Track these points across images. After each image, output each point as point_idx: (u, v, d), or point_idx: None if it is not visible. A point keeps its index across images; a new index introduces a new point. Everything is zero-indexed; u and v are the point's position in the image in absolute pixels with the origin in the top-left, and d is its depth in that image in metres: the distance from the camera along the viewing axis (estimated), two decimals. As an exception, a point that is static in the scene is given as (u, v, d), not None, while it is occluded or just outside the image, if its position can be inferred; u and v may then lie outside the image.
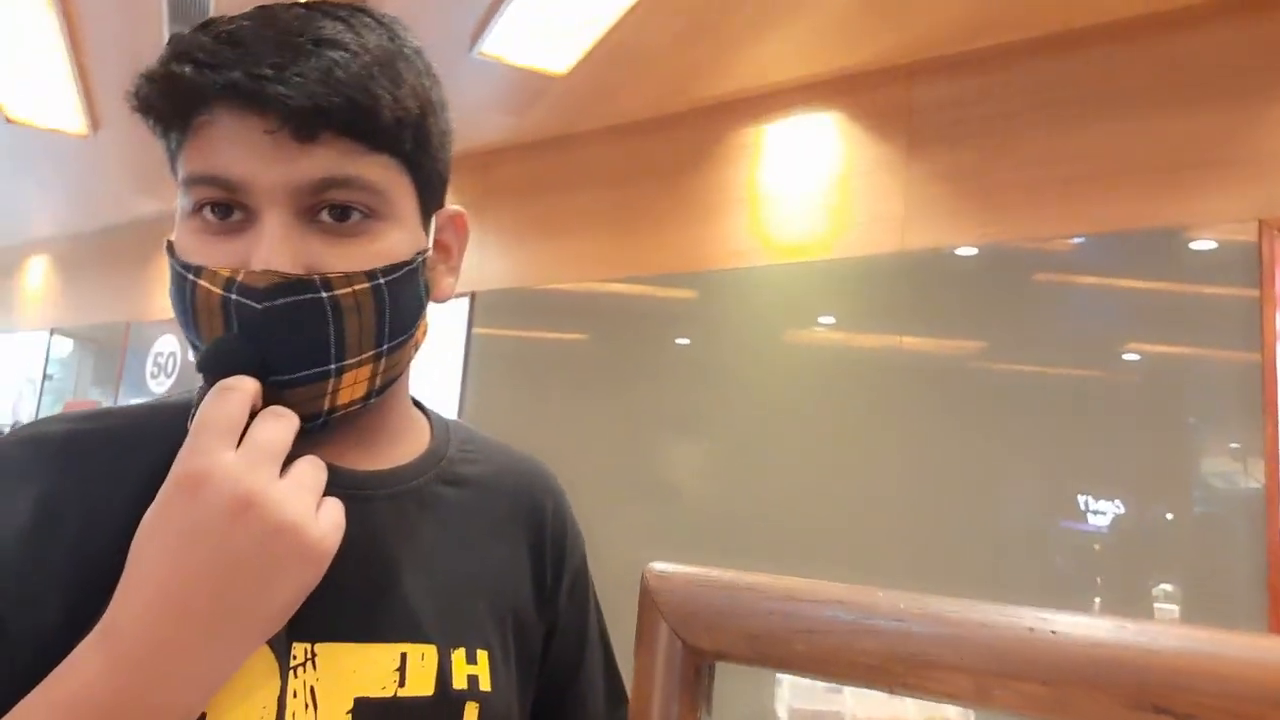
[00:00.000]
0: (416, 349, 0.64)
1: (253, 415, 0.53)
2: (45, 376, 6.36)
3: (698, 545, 2.96)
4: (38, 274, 6.82)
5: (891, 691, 0.30)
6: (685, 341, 3.27)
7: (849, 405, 2.80)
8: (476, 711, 0.61)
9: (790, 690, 2.31)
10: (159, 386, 5.47)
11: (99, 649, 0.49)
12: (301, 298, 0.54)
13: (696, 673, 0.36)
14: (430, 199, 0.63)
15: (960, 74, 2.77)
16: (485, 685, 0.62)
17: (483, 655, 0.63)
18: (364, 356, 0.58)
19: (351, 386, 0.58)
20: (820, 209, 3.00)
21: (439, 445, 0.70)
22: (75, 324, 6.37)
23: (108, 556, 0.52)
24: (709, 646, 0.35)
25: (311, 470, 0.54)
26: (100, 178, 5.10)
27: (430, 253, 0.63)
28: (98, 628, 0.50)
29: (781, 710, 2.32)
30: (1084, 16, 2.52)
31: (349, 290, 0.56)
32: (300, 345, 0.55)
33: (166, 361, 5.46)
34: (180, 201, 0.58)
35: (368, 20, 0.59)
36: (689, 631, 0.36)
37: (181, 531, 0.50)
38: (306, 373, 0.55)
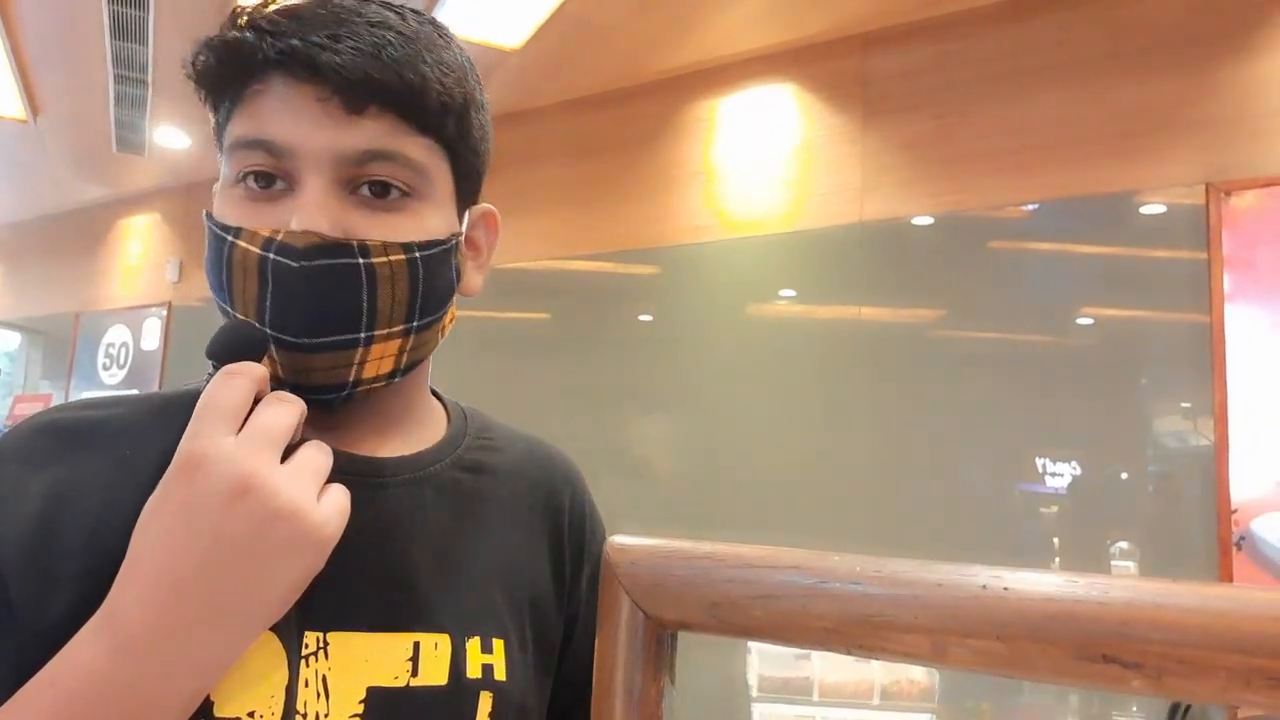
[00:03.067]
0: (443, 334, 0.65)
1: (259, 401, 0.53)
2: (-7, 370, 6.20)
3: (663, 519, 2.98)
4: (-19, 265, 6.64)
5: (849, 653, 0.31)
6: (648, 318, 3.27)
7: (810, 376, 2.82)
8: (491, 701, 0.60)
9: (759, 658, 2.34)
10: (111, 379, 5.36)
11: (100, 633, 0.49)
12: (338, 261, 0.55)
13: (658, 642, 0.36)
14: (467, 190, 0.64)
15: (915, 44, 2.78)
16: (500, 675, 0.61)
17: (498, 644, 0.62)
18: (394, 330, 0.58)
19: (379, 360, 0.58)
20: (778, 182, 3.00)
21: (456, 432, 0.70)
22: (22, 315, 6.21)
23: (120, 543, 0.52)
24: (670, 616, 0.35)
25: (316, 455, 0.54)
26: (42, 164, 4.95)
27: (463, 240, 0.64)
28: (99, 612, 0.50)
29: (752, 678, 2.35)
30: (1034, -16, 2.53)
31: (385, 260, 0.56)
32: (333, 309, 0.56)
33: (119, 352, 5.34)
34: (223, 171, 0.59)
35: (419, 16, 0.61)
36: (650, 602, 0.36)
37: (179, 515, 0.50)
38: (337, 338, 0.56)
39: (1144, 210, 2.38)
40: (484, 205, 0.69)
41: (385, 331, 0.58)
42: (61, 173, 5.09)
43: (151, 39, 3.25)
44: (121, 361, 5.31)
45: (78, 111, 4.04)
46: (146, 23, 3.14)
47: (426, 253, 0.58)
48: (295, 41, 0.54)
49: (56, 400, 5.49)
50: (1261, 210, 2.21)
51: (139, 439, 0.58)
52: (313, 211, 0.55)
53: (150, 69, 3.50)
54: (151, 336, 5.16)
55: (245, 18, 0.56)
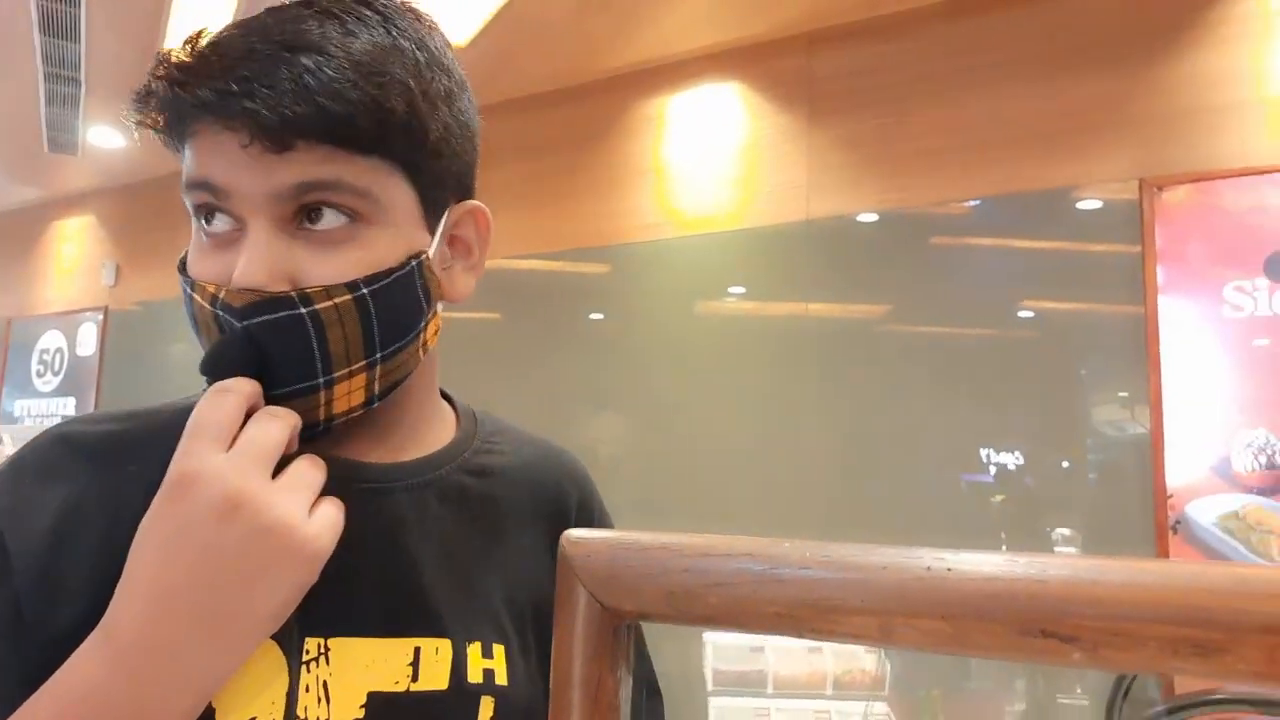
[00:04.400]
0: (425, 349, 0.63)
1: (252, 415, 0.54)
2: (-80, 379, 5.97)
3: (619, 516, 2.97)
4: (-95, 270, 6.38)
5: (801, 636, 0.31)
6: (599, 316, 3.27)
7: (760, 372, 2.85)
8: (492, 706, 0.60)
9: (714, 652, 2.36)
10: (45, 385, 5.20)
11: (99, 647, 0.50)
12: (279, 315, 0.54)
13: (615, 634, 0.36)
14: (437, 197, 0.62)
15: (858, 43, 2.82)
16: (502, 679, 0.61)
17: (499, 649, 0.62)
18: (354, 367, 0.57)
19: (346, 396, 0.58)
20: (726, 180, 3.03)
21: (464, 436, 0.69)
22: (-50, 322, 5.99)
23: (126, 558, 0.52)
24: (627, 606, 0.36)
25: (308, 469, 0.54)
26: (-31, 165, 4.79)
27: (430, 255, 0.61)
28: (99, 626, 0.51)
29: (707, 672, 2.36)
30: (972, -15, 2.59)
31: (329, 303, 0.55)
32: (286, 360, 0.55)
33: (53, 359, 5.18)
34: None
35: (366, 14, 0.58)
36: (606, 593, 0.36)
37: (172, 533, 0.50)
38: (294, 387, 0.56)
39: (1080, 205, 2.45)
40: (469, 202, 0.66)
41: (345, 371, 0.57)
42: (-10, 174, 4.92)
43: (84, 36, 3.16)
44: (56, 368, 5.16)
45: (8, 111, 3.91)
46: (78, 19, 3.05)
47: (375, 286, 0.56)
48: (205, 92, 0.53)
49: (-12, 409, 5.31)
50: (1192, 205, 2.29)
51: (150, 454, 0.58)
52: (251, 262, 0.54)
53: (83, 67, 3.40)
54: (87, 342, 5.02)
55: (161, 64, 0.55)
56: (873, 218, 2.75)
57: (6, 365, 5.43)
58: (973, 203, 2.60)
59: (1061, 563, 0.30)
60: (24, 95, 3.69)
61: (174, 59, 0.55)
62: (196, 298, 0.56)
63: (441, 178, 0.62)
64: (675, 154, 3.15)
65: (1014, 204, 2.52)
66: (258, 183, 0.54)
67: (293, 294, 0.54)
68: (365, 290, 0.56)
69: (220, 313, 0.55)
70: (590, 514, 0.75)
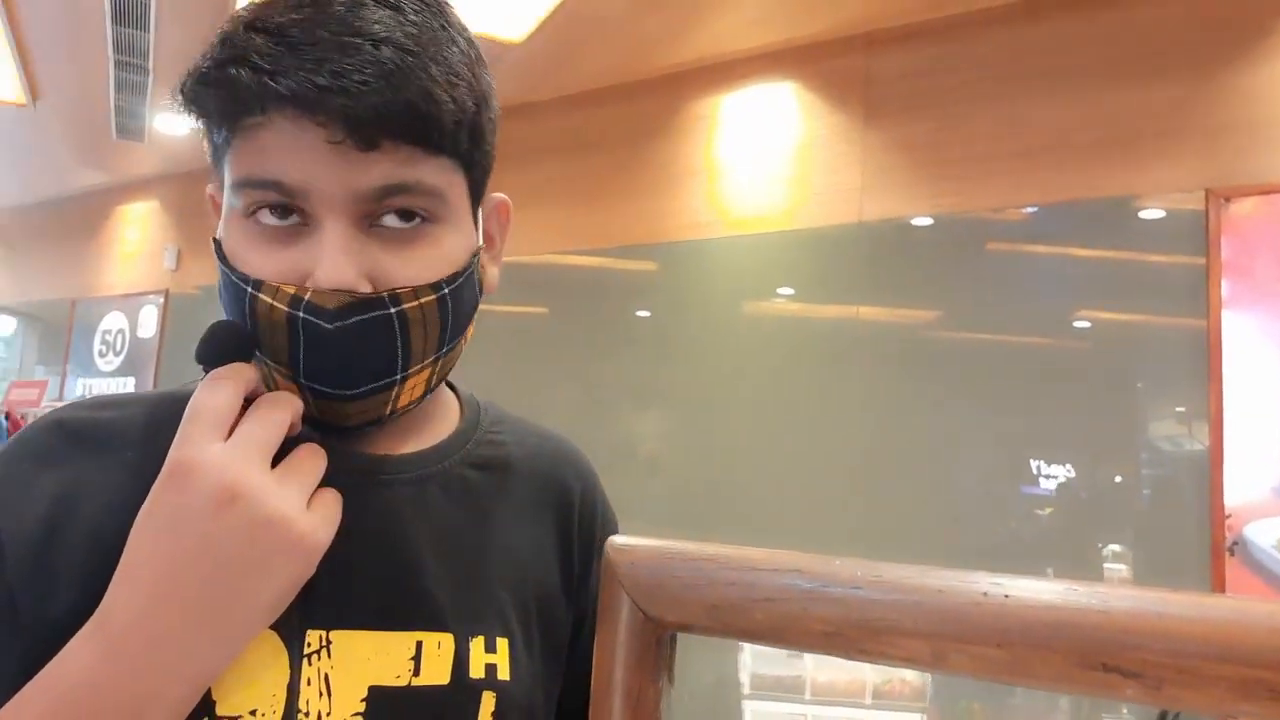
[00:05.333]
0: (466, 342, 0.64)
1: (251, 402, 0.53)
2: (-12, 355, 6.19)
3: (660, 516, 2.98)
4: (-23, 249, 6.61)
5: (849, 657, 0.31)
6: (646, 314, 3.27)
7: (807, 375, 2.82)
8: (494, 701, 0.60)
9: (752, 656, 2.34)
10: (107, 365, 5.34)
11: (93, 637, 0.49)
12: (372, 315, 0.54)
13: (658, 643, 0.36)
14: (480, 191, 0.63)
15: (917, 44, 2.77)
16: (504, 674, 0.61)
17: (502, 643, 0.62)
18: (425, 363, 0.58)
19: (411, 390, 0.58)
20: (778, 180, 3.00)
21: (467, 427, 0.69)
22: (18, 301, 6.19)
23: (121, 546, 0.52)
24: (670, 617, 0.35)
25: (308, 459, 0.53)
26: (41, 149, 4.94)
27: (481, 250, 0.62)
28: (94, 615, 0.50)
29: (744, 675, 2.35)
30: (1038, -14, 2.53)
31: (416, 304, 0.55)
32: (369, 361, 0.55)
33: (115, 339, 5.33)
34: (229, 199, 0.57)
35: (414, 5, 0.57)
36: (650, 603, 0.36)
37: (167, 524, 0.50)
38: (375, 384, 0.56)
39: (1143, 215, 2.38)
40: (495, 196, 0.67)
41: (418, 367, 0.57)
42: (61, 158, 5.08)
43: (153, 25, 3.24)
44: (118, 348, 5.30)
45: (78, 97, 4.02)
46: (148, 8, 3.12)
47: (454, 285, 0.57)
48: (295, 83, 0.51)
49: (52, 386, 5.48)
50: (1260, 217, 2.21)
51: (146, 441, 0.58)
52: (339, 261, 0.53)
53: (151, 55, 3.49)
54: (148, 324, 5.15)
55: (239, 48, 0.52)
56: (927, 222, 2.71)
57: (71, 345, 5.59)
58: (1030, 209, 2.54)
59: (1123, 594, 0.29)
60: (95, 82, 3.80)
61: (251, 44, 0.52)
62: (265, 298, 0.54)
63: (485, 174, 0.63)
64: (728, 153, 3.14)
65: (1074, 211, 2.46)
66: (340, 181, 0.53)
67: (384, 295, 0.54)
68: (447, 290, 0.57)
69: (305, 315, 0.53)
70: (594, 506, 0.73)
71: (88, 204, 5.67)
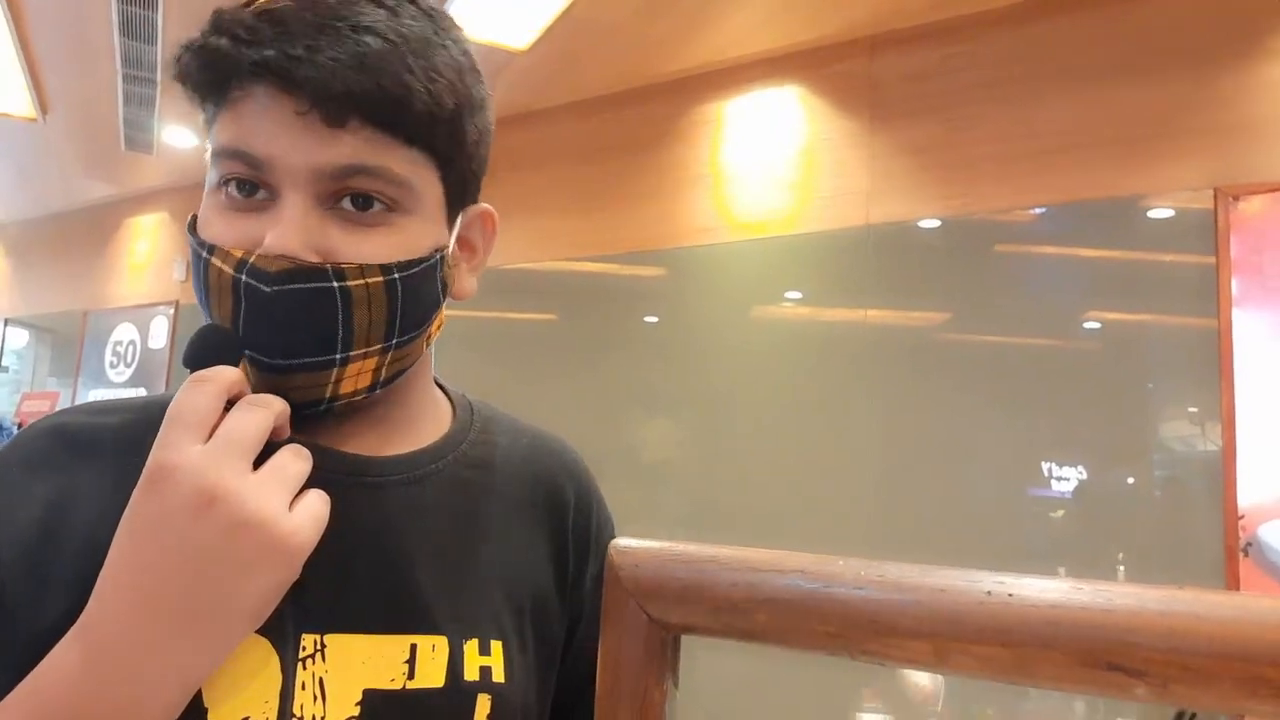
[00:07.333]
0: (429, 342, 0.63)
1: (234, 404, 0.52)
2: (0, 368, 6.22)
3: (668, 520, 2.97)
4: (-11, 263, 6.66)
5: (852, 658, 0.31)
6: (653, 319, 3.27)
7: (816, 379, 2.82)
8: (489, 704, 0.60)
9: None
10: (119, 376, 5.37)
11: (76, 642, 0.49)
12: (311, 285, 0.54)
13: (662, 645, 0.36)
14: (459, 196, 0.62)
15: (922, 47, 2.77)
16: (499, 677, 0.61)
17: (497, 646, 0.61)
18: (371, 349, 0.57)
19: (355, 377, 0.57)
20: (784, 184, 3.00)
21: (459, 429, 0.69)
22: (30, 313, 6.23)
23: None
24: (674, 619, 0.35)
25: (290, 461, 0.52)
26: (51, 162, 4.97)
27: (451, 251, 0.62)
28: (78, 621, 0.50)
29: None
30: (1042, -13, 2.53)
31: (361, 282, 0.55)
32: (306, 332, 0.54)
33: (126, 350, 5.36)
34: (209, 174, 0.58)
35: (413, 11, 0.58)
36: (654, 605, 0.36)
37: (147, 527, 0.49)
38: (310, 359, 0.55)
39: (1151, 214, 2.37)
40: (480, 205, 0.66)
41: (361, 351, 0.56)
42: (70, 171, 5.11)
43: (160, 38, 3.26)
44: (129, 360, 5.33)
45: (87, 110, 4.05)
46: (155, 22, 3.15)
47: (406, 273, 0.57)
48: (271, 52, 0.52)
49: (64, 398, 5.51)
50: (1269, 215, 2.20)
51: (139, 446, 0.57)
52: (287, 230, 0.53)
53: (159, 68, 3.51)
54: (159, 335, 5.18)
55: (225, 21, 0.54)
56: (935, 224, 2.70)
57: (82, 355, 5.63)
58: (1038, 210, 2.54)
59: (1127, 592, 0.29)
60: (104, 96, 3.82)
61: (236, 18, 0.54)
62: (215, 262, 0.54)
63: (466, 179, 0.62)
64: (734, 158, 3.14)
65: (1082, 212, 2.46)
66: (303, 155, 0.54)
67: (327, 266, 0.54)
68: (397, 275, 0.56)
69: (246, 278, 0.53)
70: (588, 507, 0.73)
71: (97, 216, 5.71)
